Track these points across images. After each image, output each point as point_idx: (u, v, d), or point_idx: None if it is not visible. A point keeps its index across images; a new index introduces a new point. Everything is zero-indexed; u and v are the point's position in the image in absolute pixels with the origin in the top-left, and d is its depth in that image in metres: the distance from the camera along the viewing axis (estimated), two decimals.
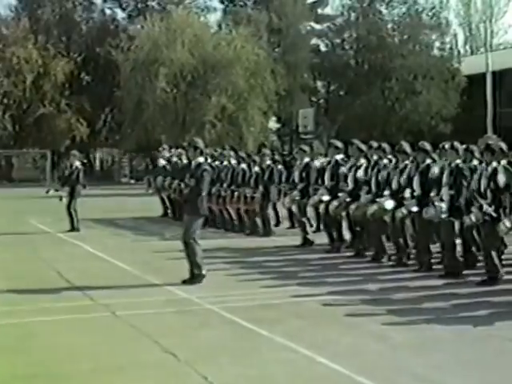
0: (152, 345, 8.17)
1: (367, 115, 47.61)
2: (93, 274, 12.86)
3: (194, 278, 11.70)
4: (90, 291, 11.12)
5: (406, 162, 13.26)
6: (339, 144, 15.73)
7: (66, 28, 62.57)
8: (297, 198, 16.32)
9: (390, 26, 52.48)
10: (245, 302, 10.39)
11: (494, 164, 11.44)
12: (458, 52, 54.56)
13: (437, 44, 52.57)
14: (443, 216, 11.94)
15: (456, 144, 12.47)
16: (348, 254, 14.79)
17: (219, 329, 8.92)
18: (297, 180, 16.59)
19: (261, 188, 18.24)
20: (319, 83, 59.24)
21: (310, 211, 16.78)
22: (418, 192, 12.69)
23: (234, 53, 49.32)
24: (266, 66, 50.43)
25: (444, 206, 11.92)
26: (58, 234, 19.03)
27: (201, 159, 12.07)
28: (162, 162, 23.85)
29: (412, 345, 8.13)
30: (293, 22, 57.51)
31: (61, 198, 19.49)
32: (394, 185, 13.24)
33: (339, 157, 15.26)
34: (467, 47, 66.65)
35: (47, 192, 19.90)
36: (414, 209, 12.62)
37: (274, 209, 19.36)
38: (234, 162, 19.82)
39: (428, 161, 12.83)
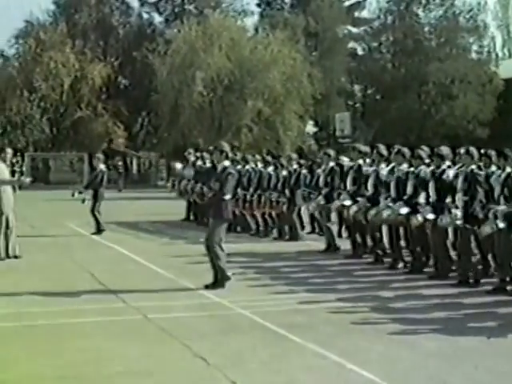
0: (182, 349, 8.16)
1: (403, 120, 47.35)
2: (126, 277, 12.93)
3: (218, 282, 11.62)
4: (123, 293, 11.16)
5: (422, 167, 13.11)
6: (362, 148, 15.67)
7: (103, 32, 63.05)
8: (321, 202, 16.18)
9: (426, 29, 52.17)
10: (277, 307, 10.35)
11: (509, 169, 11.23)
12: (496, 55, 54.04)
13: (474, 47, 52.19)
14: (458, 223, 11.70)
15: (471, 149, 12.21)
16: (369, 259, 14.69)
17: (250, 334, 8.88)
18: (321, 185, 16.47)
19: (287, 192, 18.19)
20: (356, 87, 59.00)
21: (334, 216, 16.63)
22: (432, 198, 12.49)
23: (271, 56, 49.32)
24: (302, 69, 50.34)
25: (459, 213, 11.69)
26: (93, 236, 19.16)
27: (226, 163, 11.95)
28: (178, 165, 24.00)
29: (444, 354, 7.99)
30: (330, 26, 57.36)
31: (83, 201, 19.57)
32: (409, 190, 13.09)
33: (362, 161, 15.15)
34: (505, 50, 65.95)
35: (73, 195, 19.99)
36: (430, 216, 12.41)
37: (299, 213, 19.28)
38: (260, 165, 19.77)
39: (444, 166, 12.58)
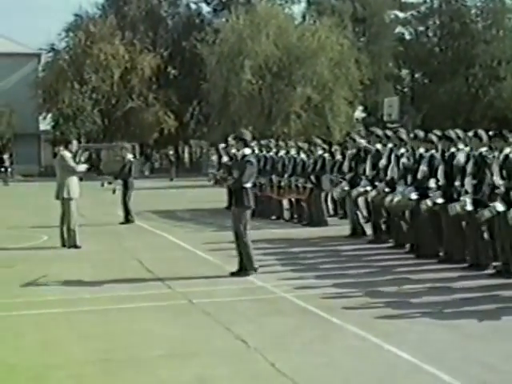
0: (224, 332, 8.33)
1: (451, 103, 47.00)
2: (173, 263, 13.15)
3: (243, 270, 11.65)
4: (169, 279, 11.38)
5: (432, 151, 13.01)
6: (380, 132, 15.55)
7: (152, 23, 63.59)
8: (346, 188, 16.13)
9: (473, 11, 51.74)
10: (320, 290, 10.45)
11: (507, 150, 11.07)
12: None
13: None
14: (468, 209, 11.53)
15: (480, 131, 12.09)
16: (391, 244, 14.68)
17: (292, 317, 9.01)
18: (346, 170, 16.47)
19: (312, 178, 18.22)
20: (404, 72, 58.72)
21: (360, 201, 16.55)
22: (442, 182, 12.37)
23: (318, 43, 49.31)
24: (350, 55, 50.27)
25: (468, 199, 11.52)
26: (142, 224, 19.44)
27: (247, 151, 11.83)
28: (225, 158, 24.19)
29: (483, 334, 8.05)
30: (377, 11, 57.14)
31: (114, 191, 19.74)
32: (420, 175, 12.97)
33: (380, 146, 15.08)
34: None
35: (102, 185, 20.22)
36: (439, 200, 12.30)
37: (326, 199, 19.37)
38: (293, 152, 19.85)
39: (453, 149, 12.43)
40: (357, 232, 16.24)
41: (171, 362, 7.30)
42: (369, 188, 14.86)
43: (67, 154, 15.48)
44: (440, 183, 12.48)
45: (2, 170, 48.02)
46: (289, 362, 7.16)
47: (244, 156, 11.78)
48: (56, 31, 65.87)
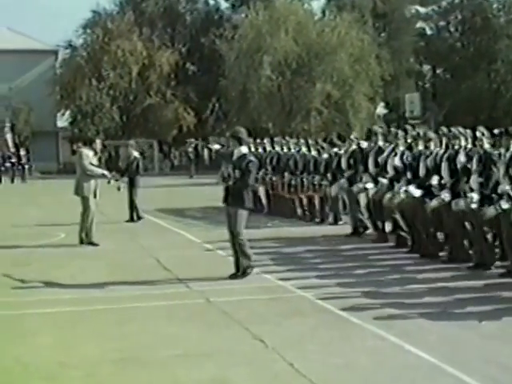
0: (242, 331, 8.22)
1: (473, 99, 46.69)
2: (191, 262, 13.05)
3: (240, 272, 11.39)
4: (187, 278, 11.27)
5: (432, 147, 12.73)
6: (380, 130, 15.41)
7: (170, 20, 63.55)
8: (345, 186, 15.96)
9: (495, 6, 51.44)
10: (337, 289, 10.34)
11: None
12: None
13: None
14: (474, 206, 11.25)
15: (481, 129, 11.87)
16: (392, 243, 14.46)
17: (311, 316, 8.87)
18: (344, 167, 16.31)
19: (329, 175, 18.00)
20: (425, 67, 58.48)
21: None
22: (446, 179, 12.10)
23: (338, 39, 49.16)
24: (370, 51, 50.07)
25: (475, 195, 11.27)
26: (159, 221, 19.34)
27: (244, 150, 11.46)
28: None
29: (503, 335, 7.91)
30: (397, 6, 56.91)
31: (119, 188, 19.59)
32: (421, 172, 12.73)
33: (382, 143, 14.87)
34: None
35: (109, 182, 20.15)
36: (448, 198, 11.99)
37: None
38: (304, 149, 19.68)
39: (456, 146, 12.19)
40: (358, 230, 16.00)
41: (188, 362, 7.20)
42: (370, 185, 14.67)
43: (86, 153, 15.34)
44: (444, 181, 12.25)
45: (19, 167, 48.14)
46: (307, 362, 7.04)
47: (243, 155, 11.38)
48: (73, 28, 65.56)
